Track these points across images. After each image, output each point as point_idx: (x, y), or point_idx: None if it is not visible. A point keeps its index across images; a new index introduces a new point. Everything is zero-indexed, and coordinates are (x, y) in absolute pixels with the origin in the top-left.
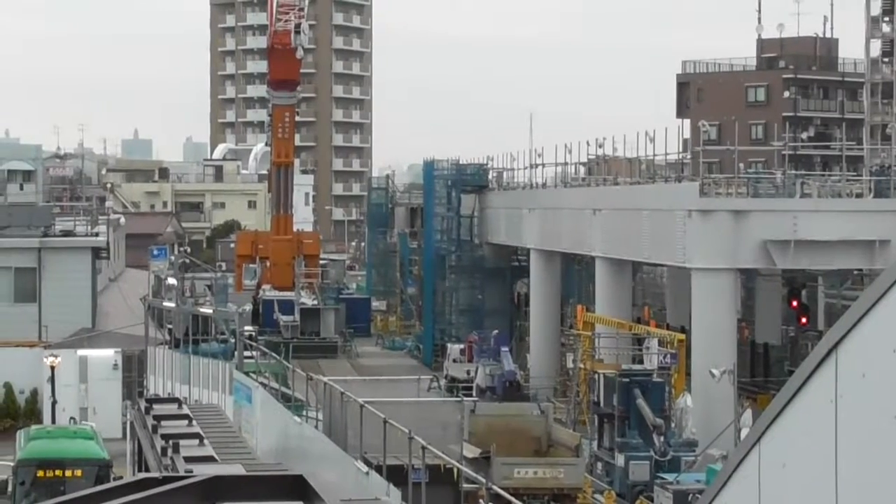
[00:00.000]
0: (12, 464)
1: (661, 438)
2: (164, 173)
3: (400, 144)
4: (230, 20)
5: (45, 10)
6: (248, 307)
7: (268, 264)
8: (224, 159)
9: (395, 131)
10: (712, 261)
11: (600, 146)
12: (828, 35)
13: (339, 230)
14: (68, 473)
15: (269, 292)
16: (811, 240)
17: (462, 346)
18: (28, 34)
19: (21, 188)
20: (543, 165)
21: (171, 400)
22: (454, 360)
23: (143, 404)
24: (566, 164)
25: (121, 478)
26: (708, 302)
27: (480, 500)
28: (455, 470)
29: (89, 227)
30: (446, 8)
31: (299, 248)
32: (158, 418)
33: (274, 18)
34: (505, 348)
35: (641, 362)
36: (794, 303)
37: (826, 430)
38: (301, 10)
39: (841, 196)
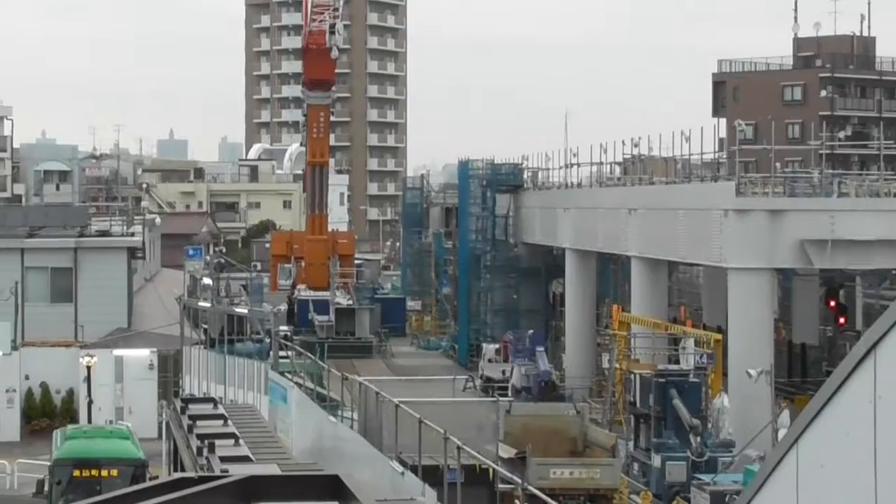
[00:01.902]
0: (49, 463)
1: (698, 439)
2: (199, 173)
3: (435, 144)
4: (265, 20)
5: (82, 10)
6: (283, 307)
7: (303, 264)
8: (259, 159)
9: (429, 131)
10: (749, 260)
11: (636, 145)
12: (865, 33)
13: (373, 230)
14: (104, 473)
15: (304, 292)
16: (849, 239)
17: (497, 345)
18: (64, 35)
19: (57, 188)
20: (579, 165)
21: (207, 400)
22: (489, 360)
23: (178, 404)
24: (601, 163)
25: (156, 477)
26: (745, 302)
27: (516, 501)
28: (490, 470)
29: (125, 228)
30: (481, 8)
31: (334, 247)
32: (194, 418)
33: (309, 19)
34: (540, 348)
35: (678, 362)
36: (832, 303)
37: (865, 431)
38: (336, 10)
39: (879, 195)
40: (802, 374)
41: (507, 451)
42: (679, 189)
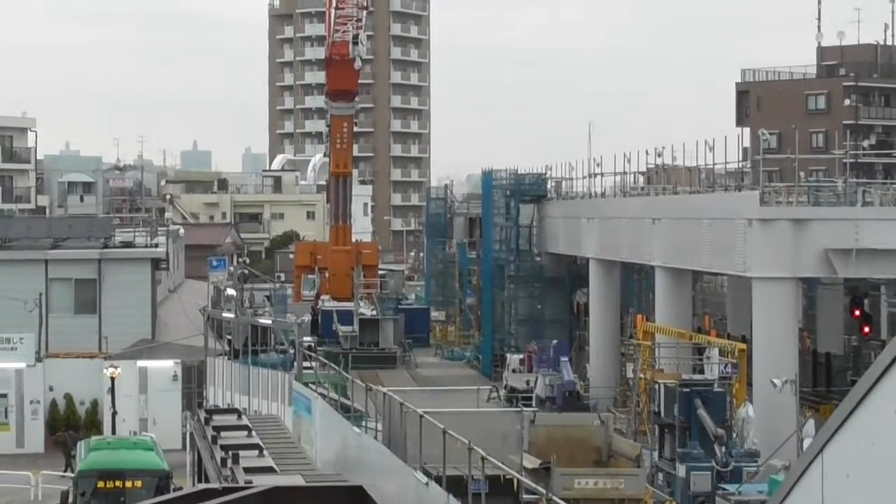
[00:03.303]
0: (73, 474)
1: (723, 449)
2: (223, 184)
3: (458, 154)
4: (288, 31)
5: (105, 21)
6: (307, 318)
7: (326, 275)
8: (282, 170)
9: (453, 141)
10: (773, 270)
11: (659, 155)
12: (888, 42)
13: (397, 240)
14: (128, 484)
15: (328, 303)
16: (873, 248)
17: (521, 356)
18: (88, 45)
19: (81, 200)
20: (602, 175)
21: (231, 410)
22: (513, 371)
23: (202, 415)
24: (625, 173)
25: (181, 489)
26: (769, 311)
27: None
28: (515, 481)
29: (149, 239)
30: (505, 19)
31: (358, 258)
32: (218, 429)
33: (332, 29)
34: (564, 358)
35: (702, 372)
36: (857, 312)
37: (891, 441)
38: (359, 20)
39: None
40: (827, 383)
41: (531, 462)
42: (703, 198)
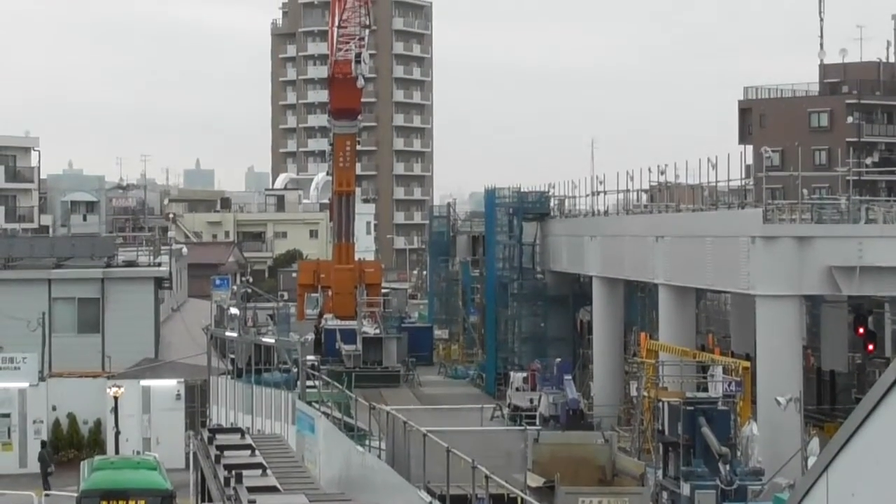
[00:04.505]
0: (76, 494)
1: (727, 467)
2: (225, 203)
3: (461, 173)
4: (291, 50)
5: (108, 41)
6: (311, 336)
7: (330, 293)
8: (285, 189)
9: (456, 160)
10: (777, 287)
11: (662, 173)
12: (891, 60)
13: (400, 259)
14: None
15: (331, 321)
16: (877, 266)
17: (525, 374)
18: (91, 66)
19: (84, 219)
20: (605, 192)
21: (234, 430)
22: (517, 389)
23: (205, 434)
24: (628, 190)
25: None
26: (773, 329)
27: None
28: (519, 499)
29: (152, 258)
30: (508, 38)
31: (361, 276)
32: (221, 448)
33: (335, 48)
34: (568, 376)
35: (706, 390)
36: (861, 329)
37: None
38: (361, 39)
39: None
40: (832, 401)
41: (535, 480)
42: (706, 216)
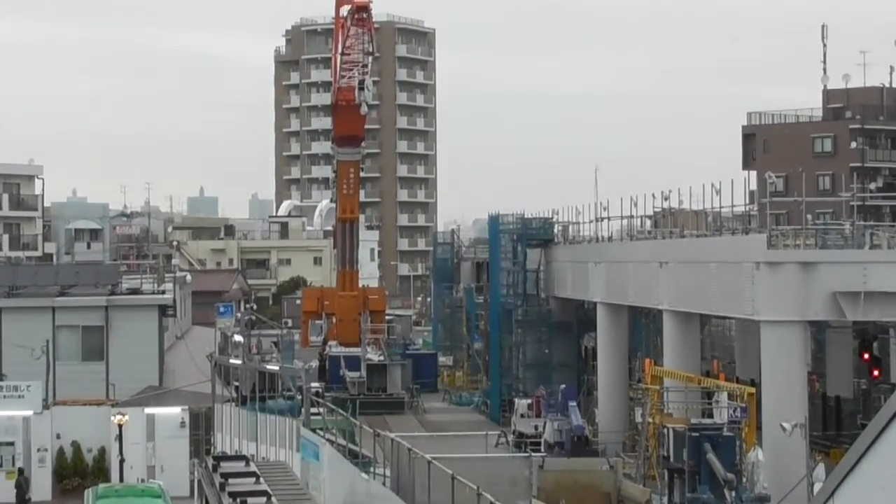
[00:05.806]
0: None
1: (733, 493)
2: (229, 230)
3: (465, 199)
4: (294, 77)
5: (112, 69)
6: (315, 363)
7: (334, 320)
8: (289, 216)
9: (459, 186)
10: (781, 313)
11: (666, 199)
12: (894, 85)
13: (404, 285)
14: None
15: (335, 348)
16: (881, 291)
17: (529, 400)
18: (94, 94)
19: (88, 247)
20: (609, 219)
21: (239, 457)
22: (522, 416)
23: (210, 462)
24: (632, 216)
25: None
26: (778, 355)
27: None
28: None
29: (156, 285)
30: (510, 64)
31: (365, 303)
32: (226, 476)
33: (338, 75)
34: (573, 403)
35: (711, 416)
36: (866, 355)
37: None
38: (365, 66)
39: None
40: (837, 427)
41: None
42: (710, 242)
